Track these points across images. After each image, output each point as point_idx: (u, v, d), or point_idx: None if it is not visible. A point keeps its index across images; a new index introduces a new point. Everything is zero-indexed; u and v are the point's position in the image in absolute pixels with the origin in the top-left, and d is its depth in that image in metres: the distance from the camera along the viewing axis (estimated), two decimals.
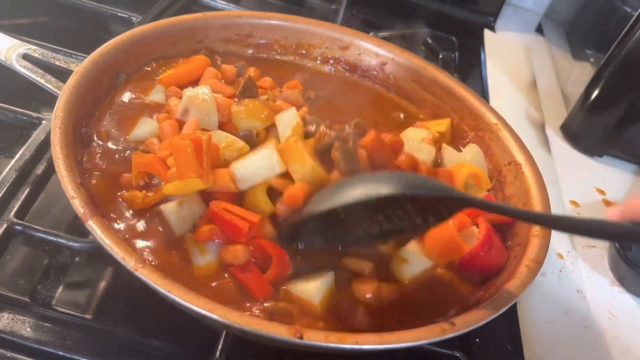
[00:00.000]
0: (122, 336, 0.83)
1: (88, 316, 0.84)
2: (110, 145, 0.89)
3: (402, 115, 1.19)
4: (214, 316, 0.63)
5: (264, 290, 0.75)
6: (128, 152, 0.89)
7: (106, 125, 0.92)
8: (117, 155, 0.88)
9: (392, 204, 0.71)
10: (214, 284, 0.75)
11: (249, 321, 0.64)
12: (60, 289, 0.88)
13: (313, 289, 0.75)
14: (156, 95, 0.99)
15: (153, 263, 0.75)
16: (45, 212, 0.95)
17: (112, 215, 0.80)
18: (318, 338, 0.64)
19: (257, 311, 0.73)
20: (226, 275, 0.78)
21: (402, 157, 0.93)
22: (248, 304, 0.74)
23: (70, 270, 0.91)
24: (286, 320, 0.73)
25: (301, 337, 0.64)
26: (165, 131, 0.89)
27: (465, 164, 0.99)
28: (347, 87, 1.24)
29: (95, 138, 0.89)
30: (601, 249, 1.17)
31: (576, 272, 1.10)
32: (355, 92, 1.24)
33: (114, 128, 0.92)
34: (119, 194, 0.83)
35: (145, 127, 0.91)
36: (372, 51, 1.24)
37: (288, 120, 0.89)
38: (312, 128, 0.91)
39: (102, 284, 0.90)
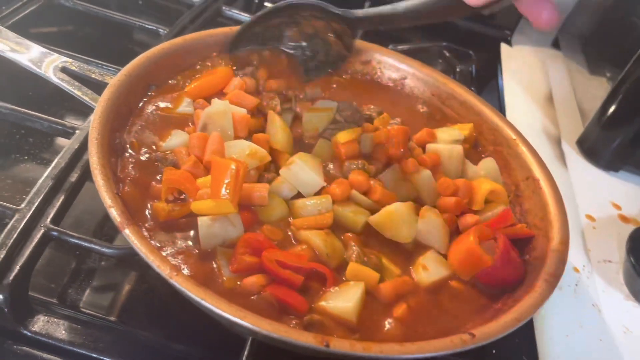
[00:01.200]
0: (148, 339, 0.87)
1: (112, 318, 0.88)
2: (141, 156, 0.92)
3: (425, 108, 1.25)
4: (245, 323, 0.66)
5: (303, 304, 0.77)
6: (158, 163, 0.92)
7: (138, 135, 0.95)
8: (147, 166, 0.91)
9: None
10: (253, 297, 0.77)
11: (278, 328, 0.67)
12: (87, 292, 0.92)
13: (350, 308, 0.77)
14: (185, 107, 1.03)
15: (185, 271, 0.78)
16: (74, 217, 0.99)
17: (142, 223, 0.83)
18: (344, 346, 0.67)
19: (293, 324, 0.75)
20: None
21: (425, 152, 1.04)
22: (285, 318, 0.76)
23: (97, 274, 0.95)
24: (322, 332, 0.75)
25: (327, 345, 0.67)
26: (192, 143, 0.92)
27: (485, 180, 1.02)
28: (369, 87, 1.29)
29: (128, 148, 0.92)
30: (616, 263, 1.18)
31: (591, 287, 1.12)
32: (378, 91, 1.28)
33: (145, 139, 0.95)
34: (149, 204, 0.85)
35: (177, 139, 0.95)
36: (393, 65, 1.27)
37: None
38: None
39: (127, 288, 0.94)
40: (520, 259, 0.91)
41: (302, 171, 0.91)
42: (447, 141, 1.09)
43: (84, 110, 1.08)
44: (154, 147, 0.94)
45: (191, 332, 0.88)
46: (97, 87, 1.02)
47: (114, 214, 0.74)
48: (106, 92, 0.91)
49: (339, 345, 0.67)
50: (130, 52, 1.06)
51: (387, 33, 1.81)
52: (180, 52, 1.10)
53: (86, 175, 0.96)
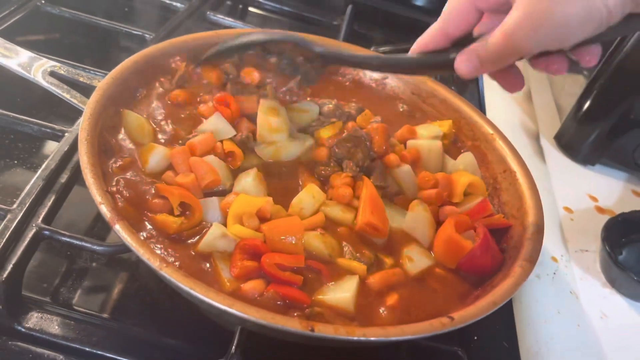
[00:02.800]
0: (142, 334, 0.89)
1: (105, 315, 0.91)
2: (130, 176, 0.92)
3: (405, 107, 1.28)
4: (234, 311, 0.69)
5: (306, 298, 0.80)
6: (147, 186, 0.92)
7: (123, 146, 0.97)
8: (138, 184, 0.91)
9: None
10: (257, 298, 0.79)
11: (265, 315, 0.70)
12: (79, 292, 0.94)
13: (348, 298, 0.81)
14: None
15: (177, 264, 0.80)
16: (65, 219, 1.01)
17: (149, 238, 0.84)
18: (328, 331, 0.70)
19: (295, 315, 0.78)
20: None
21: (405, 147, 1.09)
22: (289, 312, 0.79)
23: (88, 274, 0.97)
24: (324, 321, 0.78)
25: (312, 330, 0.70)
26: (176, 161, 0.94)
27: (464, 173, 1.05)
28: (350, 87, 1.32)
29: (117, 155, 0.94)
30: (593, 252, 1.23)
31: (569, 275, 1.16)
32: (360, 91, 1.32)
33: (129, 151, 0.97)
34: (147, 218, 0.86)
35: (156, 157, 0.95)
36: None
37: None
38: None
39: (119, 287, 0.96)
40: (499, 247, 0.95)
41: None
42: (426, 137, 1.13)
43: (71, 116, 1.10)
44: (138, 167, 0.94)
45: (182, 327, 0.91)
46: (86, 90, 1.05)
47: (104, 210, 0.77)
48: (95, 95, 0.94)
49: (324, 329, 0.70)
50: (117, 58, 1.08)
51: (370, 35, 1.85)
52: (166, 55, 1.13)
53: (76, 176, 0.99)
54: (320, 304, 0.81)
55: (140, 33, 1.41)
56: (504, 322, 1.02)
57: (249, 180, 0.93)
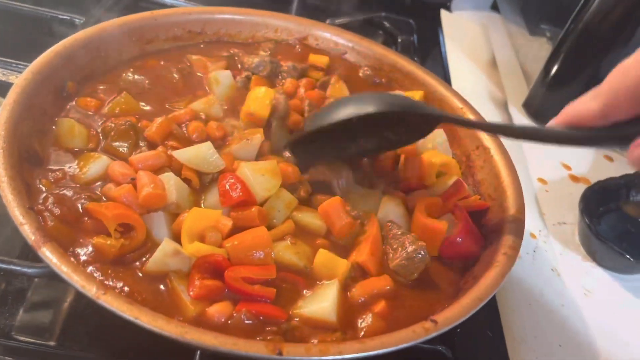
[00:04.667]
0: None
1: (52, 343, 0.80)
2: (60, 190, 0.79)
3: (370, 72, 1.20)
4: (188, 340, 0.60)
5: (281, 313, 0.72)
6: (83, 200, 0.79)
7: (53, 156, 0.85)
8: (70, 199, 0.78)
9: (381, 120, 0.84)
10: (229, 322, 0.69)
11: (224, 341, 0.61)
12: (19, 316, 0.82)
13: (328, 308, 0.72)
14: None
15: (124, 290, 0.70)
16: (4, 237, 0.89)
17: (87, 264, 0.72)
18: (299, 352, 0.62)
19: (269, 337, 0.68)
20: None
21: None
22: (267, 329, 0.70)
23: (28, 294, 0.86)
24: (302, 337, 0.70)
25: (280, 353, 0.61)
26: (115, 172, 0.82)
27: (435, 152, 0.98)
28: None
29: (45, 164, 0.82)
30: (571, 224, 1.18)
31: (549, 251, 1.11)
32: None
33: (60, 159, 0.84)
34: (82, 240, 0.75)
35: (96, 166, 0.84)
36: (331, 40, 1.21)
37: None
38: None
39: (65, 306, 0.85)
40: (479, 229, 0.88)
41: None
42: None
43: None
44: (72, 178, 0.82)
45: (138, 346, 0.81)
46: (1, 88, 0.91)
47: (27, 231, 0.66)
48: (11, 94, 0.81)
49: (293, 350, 0.61)
50: (44, 47, 0.95)
51: (323, 7, 1.74)
52: (97, 42, 1.00)
53: None
54: (299, 317, 0.72)
55: (68, 17, 1.27)
56: (486, 310, 0.93)
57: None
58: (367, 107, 0.82)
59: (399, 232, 0.82)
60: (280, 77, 1.11)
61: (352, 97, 0.95)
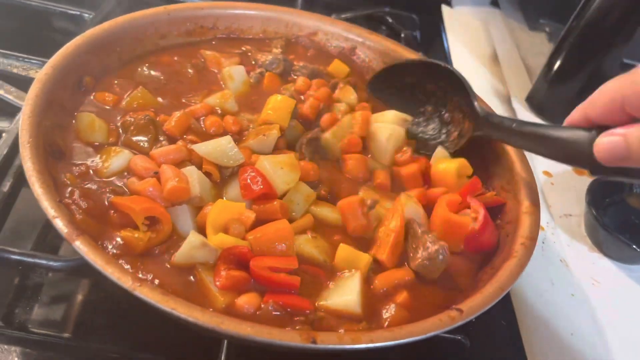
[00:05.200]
0: (111, 352, 0.80)
1: (66, 334, 0.81)
2: (86, 184, 0.80)
3: None
4: (223, 330, 0.61)
5: (307, 304, 0.72)
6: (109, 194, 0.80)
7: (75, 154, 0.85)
8: (96, 193, 0.79)
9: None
10: (258, 313, 0.70)
11: (260, 331, 0.62)
12: (36, 310, 0.83)
13: (354, 301, 0.74)
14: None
15: (155, 282, 0.71)
16: (10, 230, 0.88)
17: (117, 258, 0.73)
18: (331, 340, 0.63)
19: (298, 327, 0.69)
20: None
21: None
22: (295, 319, 0.71)
23: (44, 288, 0.86)
24: (329, 327, 0.70)
25: (314, 342, 0.62)
26: (137, 167, 0.83)
27: (443, 159, 0.98)
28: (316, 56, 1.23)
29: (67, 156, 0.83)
30: (577, 216, 1.20)
31: (557, 242, 1.13)
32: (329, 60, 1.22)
33: (81, 154, 0.85)
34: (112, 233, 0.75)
35: (118, 161, 0.84)
36: (342, 35, 1.22)
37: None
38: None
39: (80, 299, 0.86)
40: (494, 222, 0.90)
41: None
42: (390, 121, 1.04)
43: (8, 111, 0.96)
44: (95, 172, 0.83)
45: (159, 339, 0.82)
46: (22, 83, 0.92)
47: (60, 225, 0.66)
48: (33, 89, 0.81)
49: (327, 339, 0.63)
50: (54, 42, 0.95)
51: (327, 2, 1.74)
52: (112, 37, 1.00)
53: (21, 182, 0.87)
54: (324, 308, 0.73)
55: (78, 12, 1.26)
56: (501, 300, 0.96)
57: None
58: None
59: (420, 231, 0.83)
60: (292, 74, 1.12)
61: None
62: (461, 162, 0.95)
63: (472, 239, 0.84)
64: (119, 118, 0.91)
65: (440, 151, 0.99)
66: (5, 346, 0.76)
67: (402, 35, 1.62)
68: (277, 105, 0.95)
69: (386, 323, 0.73)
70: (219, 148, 0.85)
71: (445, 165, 0.95)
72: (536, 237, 0.83)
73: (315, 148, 0.95)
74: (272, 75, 1.09)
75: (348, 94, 1.07)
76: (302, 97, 1.05)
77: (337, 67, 1.17)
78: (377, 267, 0.81)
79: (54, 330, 0.81)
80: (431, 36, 1.73)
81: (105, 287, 0.87)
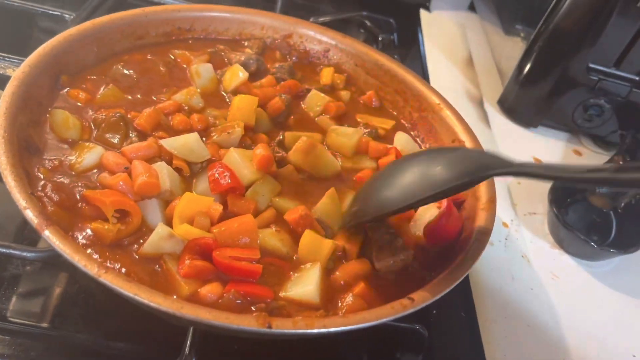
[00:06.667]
0: (86, 341, 0.83)
1: (44, 324, 0.84)
2: (58, 178, 0.83)
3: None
4: (184, 314, 0.64)
5: (268, 292, 0.76)
6: (81, 187, 0.83)
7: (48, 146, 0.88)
8: (68, 186, 0.82)
9: None
10: (220, 301, 0.74)
11: (218, 316, 0.65)
12: (14, 300, 0.86)
13: (313, 291, 0.77)
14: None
15: (122, 271, 0.74)
16: None
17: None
18: (286, 326, 0.67)
19: (255, 313, 0.72)
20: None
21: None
22: (252, 308, 0.74)
23: (22, 279, 0.89)
24: (288, 315, 0.74)
25: (270, 327, 0.66)
26: (109, 162, 0.86)
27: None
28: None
29: (42, 152, 0.86)
30: (541, 215, 1.25)
31: (520, 239, 1.18)
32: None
33: (54, 148, 0.88)
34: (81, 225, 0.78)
35: (91, 156, 0.87)
36: (315, 38, 1.26)
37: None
38: None
39: (58, 291, 0.89)
40: (459, 212, 0.94)
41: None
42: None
43: None
44: (68, 167, 0.86)
45: (130, 328, 0.86)
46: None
47: (31, 215, 0.70)
48: (10, 87, 0.85)
49: (282, 324, 0.67)
50: (35, 42, 0.98)
51: (308, 5, 1.79)
52: (90, 38, 1.03)
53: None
54: (285, 298, 0.77)
55: (59, 13, 1.29)
56: (460, 292, 1.02)
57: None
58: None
59: (388, 235, 0.87)
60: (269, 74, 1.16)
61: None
62: None
63: (432, 230, 0.88)
64: (91, 115, 0.94)
65: (398, 144, 1.05)
66: None
67: (380, 38, 1.67)
68: (241, 105, 0.99)
69: (342, 311, 0.77)
70: (187, 145, 0.89)
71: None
72: (489, 232, 0.87)
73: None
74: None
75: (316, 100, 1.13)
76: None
77: (327, 74, 1.21)
78: (339, 257, 0.85)
79: (32, 320, 0.84)
80: (408, 40, 1.77)
81: (80, 279, 0.90)
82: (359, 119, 1.15)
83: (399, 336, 0.92)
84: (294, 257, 0.84)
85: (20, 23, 1.36)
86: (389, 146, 1.06)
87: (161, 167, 0.85)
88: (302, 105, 1.13)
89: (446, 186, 0.76)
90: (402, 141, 1.09)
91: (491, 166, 0.77)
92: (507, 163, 0.77)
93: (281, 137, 0.99)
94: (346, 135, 1.04)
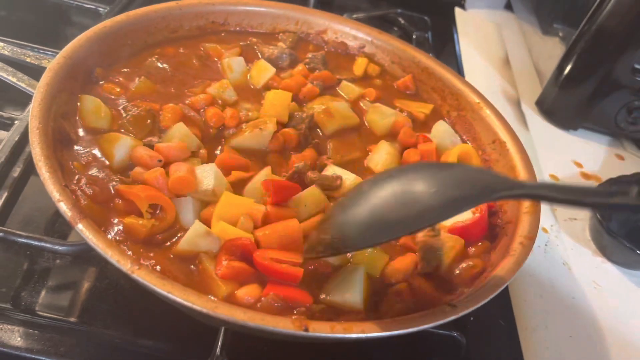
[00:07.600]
0: (114, 337, 0.82)
1: (73, 319, 0.82)
2: (92, 172, 0.82)
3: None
4: (218, 314, 0.62)
5: (307, 297, 0.73)
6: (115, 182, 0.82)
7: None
8: (102, 180, 0.81)
9: None
10: (258, 305, 0.71)
11: (253, 317, 0.63)
12: (43, 294, 0.85)
13: (356, 296, 0.74)
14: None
15: (156, 269, 0.72)
16: (22, 215, 0.91)
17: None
18: (324, 329, 0.64)
19: (295, 315, 0.70)
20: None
21: None
22: (294, 311, 0.71)
23: (52, 273, 0.88)
24: (327, 318, 0.71)
25: (307, 330, 0.63)
26: (142, 159, 0.84)
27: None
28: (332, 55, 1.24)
29: (75, 142, 0.85)
30: (582, 220, 1.20)
31: (560, 245, 1.13)
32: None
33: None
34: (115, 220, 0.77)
35: (122, 149, 0.86)
36: (350, 34, 1.23)
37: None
38: None
39: (87, 286, 0.88)
40: (492, 223, 0.90)
41: None
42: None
43: (22, 101, 0.99)
44: (104, 162, 0.84)
45: (159, 326, 0.84)
46: (35, 72, 0.94)
47: (64, 208, 0.68)
48: (45, 77, 0.84)
49: (319, 328, 0.64)
50: (69, 35, 0.98)
51: (340, 2, 1.76)
52: (124, 30, 1.02)
53: (30, 169, 0.89)
54: (325, 302, 0.74)
55: (93, 7, 1.29)
56: (499, 300, 0.96)
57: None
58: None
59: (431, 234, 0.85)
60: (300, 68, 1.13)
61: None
62: (465, 147, 0.97)
63: (460, 232, 0.85)
64: (122, 107, 0.93)
65: (435, 135, 1.03)
66: (9, 327, 0.78)
67: (414, 36, 1.63)
68: (275, 100, 0.97)
69: (381, 313, 0.74)
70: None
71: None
72: (534, 237, 0.83)
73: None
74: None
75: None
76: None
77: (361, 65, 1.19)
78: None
79: (60, 314, 0.83)
80: (443, 38, 1.73)
81: (109, 275, 0.89)
82: (397, 104, 1.12)
83: (435, 342, 0.89)
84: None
85: (56, 16, 1.36)
86: (422, 137, 1.02)
87: (210, 167, 0.83)
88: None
89: (439, 219, 0.68)
90: (441, 131, 1.05)
91: (496, 188, 0.68)
92: (515, 184, 0.70)
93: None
94: (383, 115, 1.05)
